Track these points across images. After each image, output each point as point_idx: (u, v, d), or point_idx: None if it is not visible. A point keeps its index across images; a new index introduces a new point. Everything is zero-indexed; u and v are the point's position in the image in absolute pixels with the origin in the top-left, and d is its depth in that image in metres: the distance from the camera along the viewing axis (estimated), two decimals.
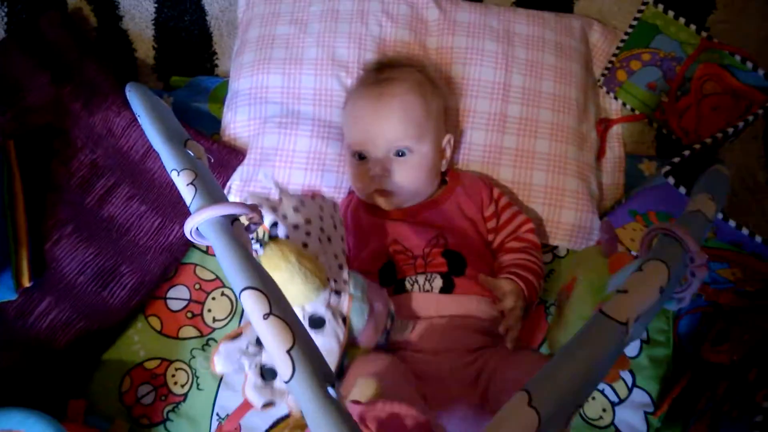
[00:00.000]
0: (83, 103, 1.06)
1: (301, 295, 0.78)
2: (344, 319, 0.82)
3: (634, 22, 1.20)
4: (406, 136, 1.01)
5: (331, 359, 0.81)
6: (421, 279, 0.96)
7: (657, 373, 1.05)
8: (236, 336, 0.78)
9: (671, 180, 0.97)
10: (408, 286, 0.96)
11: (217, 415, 1.02)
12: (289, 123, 1.14)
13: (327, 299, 0.80)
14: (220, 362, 0.78)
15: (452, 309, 0.94)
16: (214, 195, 0.64)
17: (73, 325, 1.00)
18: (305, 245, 0.79)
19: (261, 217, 0.65)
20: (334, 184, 1.13)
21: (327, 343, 0.80)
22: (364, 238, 1.04)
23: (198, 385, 1.04)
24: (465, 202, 1.06)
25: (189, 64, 1.32)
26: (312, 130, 1.13)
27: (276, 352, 0.51)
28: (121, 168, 1.06)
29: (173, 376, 1.04)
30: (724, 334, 1.07)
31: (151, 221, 1.05)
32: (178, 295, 1.09)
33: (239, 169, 1.13)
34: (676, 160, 0.99)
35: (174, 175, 0.66)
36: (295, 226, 0.81)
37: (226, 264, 0.57)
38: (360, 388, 0.71)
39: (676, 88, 1.17)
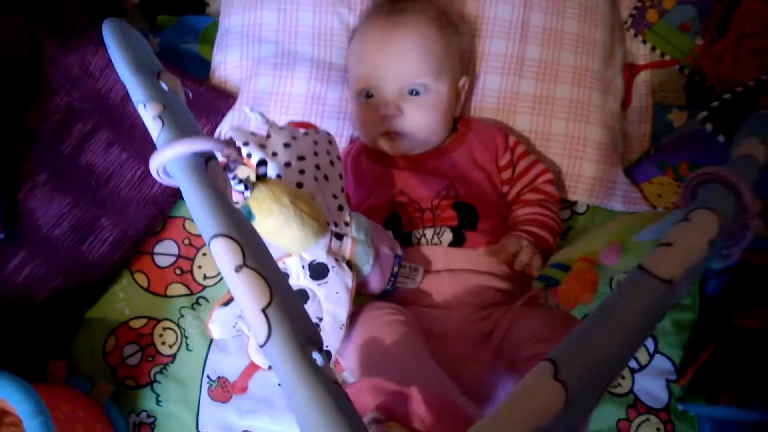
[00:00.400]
0: (58, 41, 0.98)
1: (299, 242, 0.71)
2: (349, 264, 0.74)
3: None
4: (423, 72, 0.93)
5: (342, 309, 0.73)
6: (429, 233, 0.89)
7: (681, 339, 0.97)
8: (228, 301, 0.71)
9: (709, 127, 0.87)
10: (414, 239, 0.89)
11: (208, 377, 0.96)
12: (285, 64, 1.04)
13: (327, 244, 0.73)
14: (216, 329, 0.72)
15: (462, 263, 0.87)
16: (185, 130, 0.55)
17: (50, 280, 0.94)
18: (299, 185, 0.71)
19: (239, 153, 0.56)
20: (335, 131, 1.04)
21: (333, 292, 0.73)
22: (366, 189, 0.96)
23: (187, 345, 0.97)
24: (478, 149, 0.97)
25: (177, 2, 1.21)
26: (310, 71, 1.04)
27: (249, 310, 0.43)
28: (99, 112, 0.98)
29: (161, 335, 0.98)
30: (755, 297, 0.99)
31: (134, 170, 0.98)
32: (166, 250, 1.02)
33: (230, 114, 1.04)
34: (715, 104, 0.89)
35: (140, 108, 0.58)
36: (287, 164, 0.72)
37: (194, 208, 0.49)
38: None
39: (713, 28, 1.07)
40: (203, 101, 1.01)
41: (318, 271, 0.73)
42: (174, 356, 0.97)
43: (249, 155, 0.73)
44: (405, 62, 0.92)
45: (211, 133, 1.03)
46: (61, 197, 0.95)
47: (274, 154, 0.72)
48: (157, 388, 0.95)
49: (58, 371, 0.92)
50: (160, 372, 0.96)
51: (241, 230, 0.47)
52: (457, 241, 0.89)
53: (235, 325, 0.71)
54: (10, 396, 0.74)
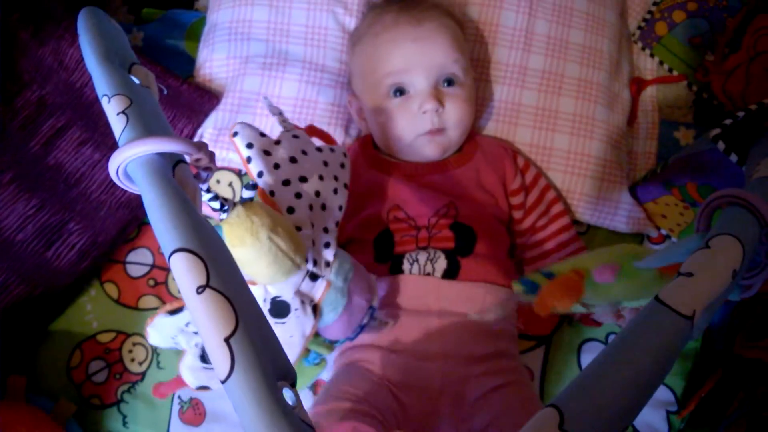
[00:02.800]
0: (33, 31, 0.92)
1: (265, 276, 0.64)
2: (315, 308, 0.68)
3: None
4: (455, 59, 0.88)
5: (291, 353, 0.67)
6: (422, 257, 0.83)
7: (683, 369, 0.93)
8: (176, 310, 0.64)
9: (721, 145, 0.82)
10: (406, 265, 0.83)
11: (179, 398, 0.90)
12: (275, 64, 0.98)
13: (298, 283, 0.66)
14: (154, 336, 0.65)
15: (455, 301, 0.81)
16: (153, 129, 0.49)
17: (10, 288, 0.86)
18: (291, 210, 0.65)
19: (212, 160, 0.50)
20: None
21: (288, 335, 0.67)
22: (361, 199, 0.89)
23: (158, 363, 0.91)
24: (484, 170, 0.91)
25: None
26: (302, 73, 0.98)
27: (210, 339, 0.37)
28: (72, 107, 0.92)
29: (130, 351, 0.92)
30: (762, 327, 0.93)
31: (106, 171, 0.90)
32: (140, 259, 0.96)
33: (213, 115, 0.98)
34: (728, 122, 0.84)
35: (104, 102, 0.52)
36: (285, 183, 0.66)
37: (155, 216, 0.42)
38: None
39: (724, 43, 1.02)
40: (185, 100, 0.95)
41: (279, 310, 0.66)
42: (143, 374, 0.91)
43: (249, 159, 0.68)
44: (437, 50, 0.87)
45: (193, 134, 0.97)
46: (27, 199, 0.88)
47: (276, 166, 0.66)
48: (124, 408, 0.90)
49: (18, 387, 0.86)
50: (128, 391, 0.90)
51: (207, 245, 0.41)
52: (452, 271, 0.82)
53: (174, 337, 0.65)
54: None
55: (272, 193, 0.66)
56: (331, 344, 0.77)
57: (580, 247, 0.93)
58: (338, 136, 0.99)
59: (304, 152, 0.69)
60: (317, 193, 0.69)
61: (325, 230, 0.69)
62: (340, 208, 0.72)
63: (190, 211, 0.43)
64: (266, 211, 0.61)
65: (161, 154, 0.47)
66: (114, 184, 0.90)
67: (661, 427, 0.90)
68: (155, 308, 0.93)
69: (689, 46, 1.07)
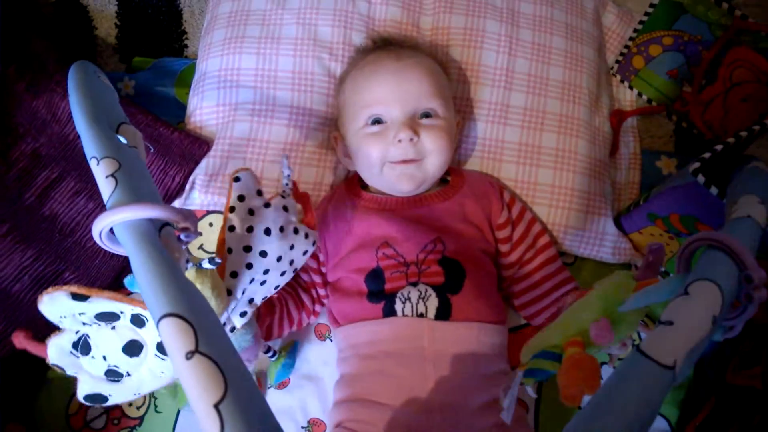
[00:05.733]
0: (27, 83, 0.93)
1: None
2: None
3: (656, 0, 1.06)
4: (434, 95, 0.90)
5: (154, 386, 0.66)
6: (414, 296, 0.83)
7: (676, 397, 0.93)
8: (80, 296, 0.60)
9: (701, 178, 0.84)
10: (399, 305, 0.83)
11: None
12: (264, 110, 1.00)
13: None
14: (47, 304, 0.61)
15: (449, 343, 0.81)
16: (140, 192, 0.50)
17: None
18: (234, 275, 0.67)
19: (195, 227, 0.51)
20: (314, 179, 1.00)
21: (159, 370, 0.66)
22: (348, 238, 0.90)
23: (156, 407, 0.92)
24: (470, 205, 0.92)
25: (155, 45, 1.18)
26: (289, 118, 1.00)
27: (200, 405, 0.38)
28: (66, 159, 0.94)
29: None
30: (753, 355, 0.94)
31: None
32: None
33: (204, 161, 0.99)
34: (707, 155, 0.86)
35: (93, 164, 0.53)
36: (246, 248, 0.68)
37: (144, 281, 0.44)
38: None
39: (701, 76, 1.04)
40: (177, 147, 0.97)
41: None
42: (141, 419, 0.91)
43: (232, 209, 0.69)
44: (416, 84, 0.89)
45: (185, 179, 0.98)
46: (23, 250, 0.89)
47: (250, 229, 0.67)
48: None
49: None
50: None
51: (195, 309, 0.42)
52: (444, 311, 0.82)
53: (63, 317, 0.61)
54: None
55: (230, 250, 0.67)
56: None
57: (567, 277, 0.94)
58: (327, 177, 1.00)
59: (281, 229, 0.70)
60: (266, 272, 0.70)
61: (250, 301, 0.71)
62: (277, 287, 0.74)
63: (178, 276, 0.45)
64: (213, 280, 0.62)
65: (149, 219, 0.48)
66: None
67: None
68: None
69: (667, 79, 1.09)
